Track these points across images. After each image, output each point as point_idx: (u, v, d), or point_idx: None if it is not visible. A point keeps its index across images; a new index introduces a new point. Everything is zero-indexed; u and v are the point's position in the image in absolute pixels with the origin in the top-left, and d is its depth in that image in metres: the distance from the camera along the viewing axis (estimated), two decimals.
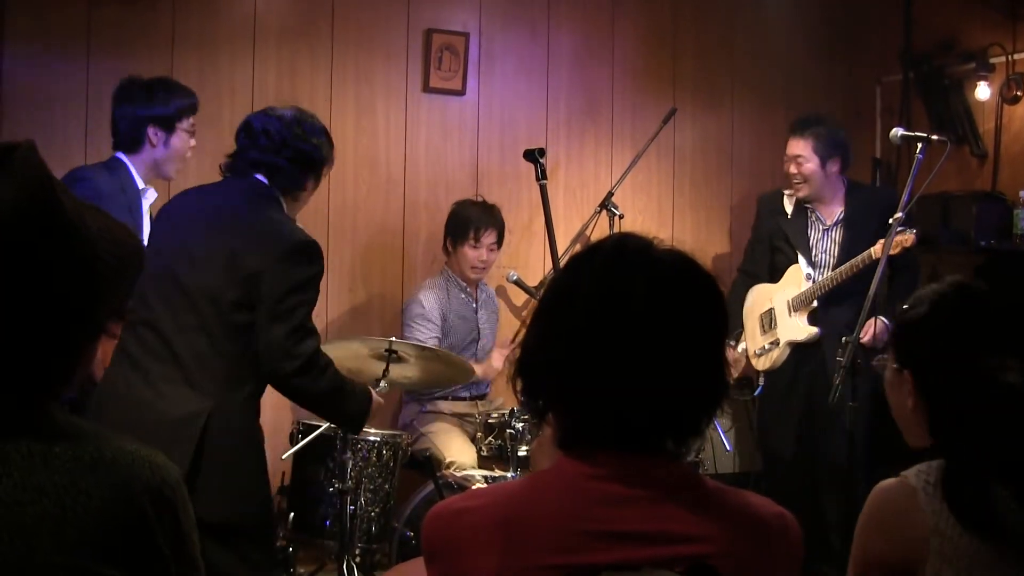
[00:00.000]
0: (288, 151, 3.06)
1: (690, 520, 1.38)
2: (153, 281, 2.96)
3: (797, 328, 4.71)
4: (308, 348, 2.93)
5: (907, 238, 4.26)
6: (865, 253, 4.38)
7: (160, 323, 2.95)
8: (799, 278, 4.75)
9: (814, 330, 4.65)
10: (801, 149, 4.73)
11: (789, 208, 4.89)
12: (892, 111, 5.82)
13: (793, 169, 4.76)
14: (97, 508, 1.27)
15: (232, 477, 2.92)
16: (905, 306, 2.02)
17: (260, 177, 3.06)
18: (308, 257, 2.97)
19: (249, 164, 3.07)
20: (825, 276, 4.61)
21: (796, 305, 4.70)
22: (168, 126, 3.72)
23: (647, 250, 1.46)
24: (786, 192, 4.91)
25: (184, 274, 2.94)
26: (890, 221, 4.01)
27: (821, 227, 4.81)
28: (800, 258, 4.79)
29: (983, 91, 5.36)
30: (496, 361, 4.79)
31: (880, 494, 1.89)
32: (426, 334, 4.61)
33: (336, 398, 3.08)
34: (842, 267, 4.49)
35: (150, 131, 3.71)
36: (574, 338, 1.41)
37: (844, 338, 3.76)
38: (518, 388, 1.49)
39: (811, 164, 4.71)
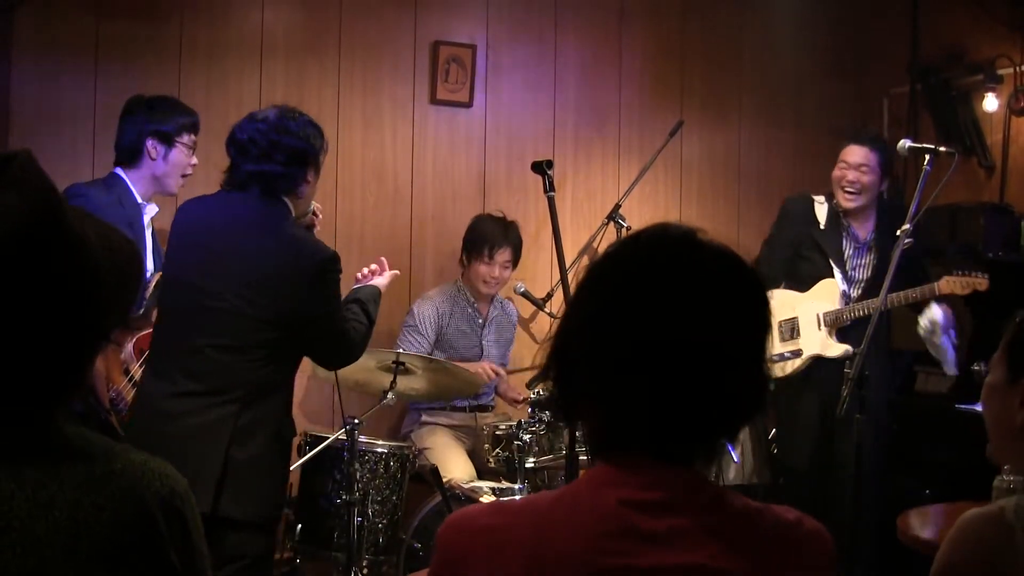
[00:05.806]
0: (279, 154, 3.05)
1: (722, 551, 1.31)
2: (176, 297, 3.08)
3: (827, 344, 4.59)
4: (348, 343, 3.23)
5: (980, 282, 4.25)
6: (928, 287, 4.30)
7: (187, 338, 3.02)
8: (834, 294, 4.64)
9: (847, 348, 4.47)
10: (867, 159, 4.60)
11: (822, 218, 4.76)
12: (900, 123, 5.82)
13: (852, 176, 4.61)
14: (109, 520, 1.27)
15: (261, 480, 3.05)
16: None
17: (259, 190, 3.07)
18: (333, 272, 3.10)
19: (246, 177, 3.08)
20: (873, 300, 4.32)
21: (829, 321, 4.59)
22: (167, 140, 3.75)
23: (690, 238, 1.39)
24: (816, 199, 4.79)
25: (210, 291, 3.01)
26: (897, 232, 4.00)
27: (855, 243, 4.72)
28: (836, 273, 4.67)
29: (991, 103, 5.36)
30: (482, 372, 4.57)
31: (973, 525, 1.66)
32: (413, 347, 4.57)
33: (368, 331, 3.34)
34: (896, 294, 4.32)
35: (149, 144, 3.73)
36: (611, 326, 1.34)
37: (852, 349, 3.74)
38: (551, 378, 1.42)
39: (873, 176, 4.60)
